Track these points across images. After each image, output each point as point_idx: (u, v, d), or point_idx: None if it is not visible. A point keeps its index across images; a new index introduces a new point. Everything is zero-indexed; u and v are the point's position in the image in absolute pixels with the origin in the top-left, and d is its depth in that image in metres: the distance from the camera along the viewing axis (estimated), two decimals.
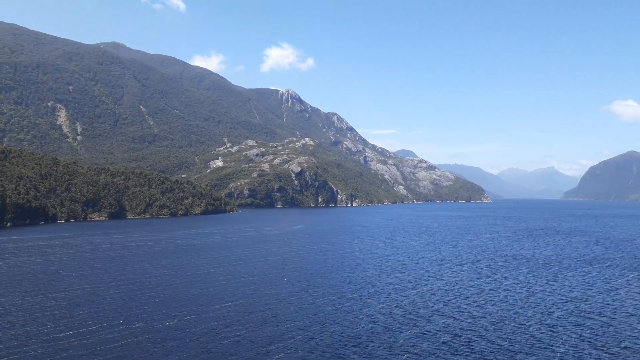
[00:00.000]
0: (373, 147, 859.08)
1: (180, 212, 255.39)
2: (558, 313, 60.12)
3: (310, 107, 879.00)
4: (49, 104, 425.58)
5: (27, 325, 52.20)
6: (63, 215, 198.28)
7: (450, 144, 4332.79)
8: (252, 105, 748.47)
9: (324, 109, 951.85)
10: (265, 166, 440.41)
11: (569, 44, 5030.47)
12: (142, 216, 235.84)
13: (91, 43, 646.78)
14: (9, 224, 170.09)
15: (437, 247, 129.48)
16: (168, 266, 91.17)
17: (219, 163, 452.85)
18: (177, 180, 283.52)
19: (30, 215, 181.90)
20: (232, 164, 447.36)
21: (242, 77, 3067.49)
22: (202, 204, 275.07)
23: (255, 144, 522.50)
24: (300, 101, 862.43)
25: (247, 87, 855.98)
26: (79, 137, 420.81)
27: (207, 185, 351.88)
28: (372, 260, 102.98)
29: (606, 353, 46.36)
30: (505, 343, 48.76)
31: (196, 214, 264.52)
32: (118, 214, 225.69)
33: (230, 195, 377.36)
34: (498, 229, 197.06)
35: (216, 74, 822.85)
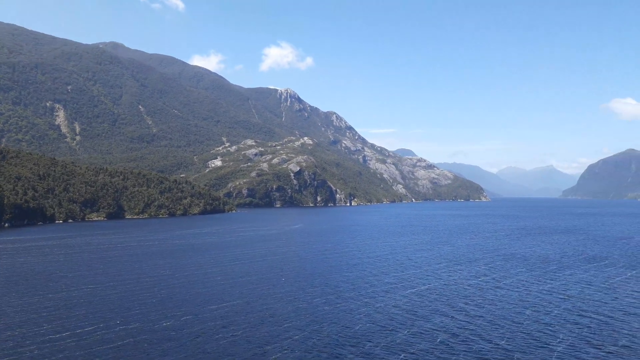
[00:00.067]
0: (372, 146, 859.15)
1: (178, 212, 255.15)
2: (556, 312, 60.08)
3: (309, 106, 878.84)
4: (48, 104, 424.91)
5: (23, 326, 52.04)
6: (61, 215, 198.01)
7: (449, 143, 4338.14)
8: (251, 105, 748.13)
9: (323, 108, 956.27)
10: (264, 166, 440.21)
11: (568, 42, 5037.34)
12: (141, 216, 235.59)
13: (90, 43, 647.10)
14: (6, 225, 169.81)
15: (435, 246, 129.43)
16: (166, 266, 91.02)
17: (217, 163, 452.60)
18: (175, 180, 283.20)
19: (28, 215, 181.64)
20: (231, 163, 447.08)
21: (241, 77, 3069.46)
22: (201, 204, 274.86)
23: (254, 143, 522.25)
24: (299, 100, 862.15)
25: (246, 86, 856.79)
26: (78, 137, 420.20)
27: (205, 185, 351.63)
28: (371, 260, 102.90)
29: (604, 352, 46.31)
30: (503, 342, 48.69)
31: (195, 214, 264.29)
32: (116, 214, 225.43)
33: (229, 195, 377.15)
34: (496, 228, 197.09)
35: (215, 74, 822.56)
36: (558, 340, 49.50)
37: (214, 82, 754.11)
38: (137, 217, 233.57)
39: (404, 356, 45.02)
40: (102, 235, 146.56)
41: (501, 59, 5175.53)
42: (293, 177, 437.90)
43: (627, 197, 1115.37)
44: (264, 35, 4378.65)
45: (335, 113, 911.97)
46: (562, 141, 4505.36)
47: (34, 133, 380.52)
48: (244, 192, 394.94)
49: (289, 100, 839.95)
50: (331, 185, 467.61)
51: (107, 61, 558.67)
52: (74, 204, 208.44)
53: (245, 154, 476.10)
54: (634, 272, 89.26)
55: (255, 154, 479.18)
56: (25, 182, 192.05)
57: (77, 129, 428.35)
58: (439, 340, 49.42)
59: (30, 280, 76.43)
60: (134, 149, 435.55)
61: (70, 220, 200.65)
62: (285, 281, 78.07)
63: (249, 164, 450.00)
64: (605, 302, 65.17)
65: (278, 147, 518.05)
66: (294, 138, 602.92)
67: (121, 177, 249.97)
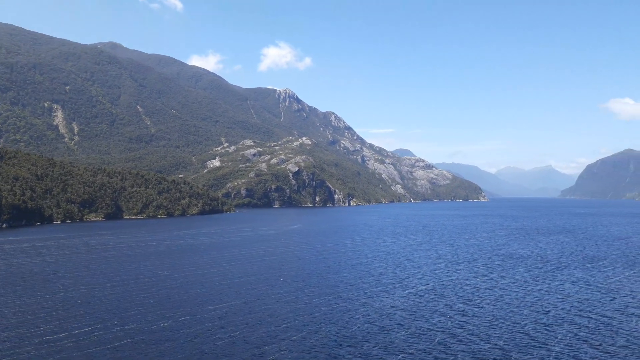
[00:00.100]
0: (371, 147, 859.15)
1: (177, 213, 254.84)
2: (554, 312, 60.13)
3: (308, 106, 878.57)
4: (46, 105, 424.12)
5: (20, 327, 51.90)
6: (59, 216, 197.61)
7: (448, 143, 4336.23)
8: (250, 105, 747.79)
9: (322, 108, 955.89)
10: (263, 166, 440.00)
11: (566, 42, 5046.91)
12: (139, 217, 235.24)
13: (88, 43, 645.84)
14: (4, 225, 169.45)
15: (434, 247, 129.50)
16: (164, 267, 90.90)
17: (216, 163, 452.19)
18: (174, 181, 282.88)
19: (26, 216, 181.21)
20: (230, 163, 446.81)
21: (239, 77, 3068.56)
22: (199, 204, 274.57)
23: (252, 143, 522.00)
24: (298, 100, 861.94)
25: (244, 86, 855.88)
26: (76, 138, 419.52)
27: (204, 185, 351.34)
28: (369, 260, 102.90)
29: (602, 352, 46.35)
30: (501, 342, 48.71)
31: (193, 214, 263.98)
32: (115, 215, 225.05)
33: (227, 195, 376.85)
34: (495, 228, 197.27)
35: (213, 74, 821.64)
36: (556, 340, 49.53)
37: (213, 82, 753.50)
38: (136, 217, 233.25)
39: (402, 356, 45.01)
40: (100, 236, 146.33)
41: (500, 60, 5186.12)
42: (292, 178, 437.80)
43: (626, 197, 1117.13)
44: (262, 36, 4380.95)
45: (333, 113, 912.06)
46: (560, 141, 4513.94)
47: (32, 133, 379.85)
48: (243, 192, 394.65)
49: (288, 100, 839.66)
50: (330, 185, 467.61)
51: (106, 61, 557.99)
52: (72, 205, 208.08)
53: (243, 154, 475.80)
54: (632, 272, 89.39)
55: (254, 154, 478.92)
56: (23, 183, 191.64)
57: (76, 129, 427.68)
58: (437, 340, 49.41)
59: (28, 280, 76.25)
60: (132, 149, 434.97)
61: (69, 221, 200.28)
62: (284, 282, 78.02)
63: (247, 164, 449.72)
64: (603, 302, 65.25)
65: (276, 148, 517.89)
66: (292, 138, 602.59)
67: (119, 177, 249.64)
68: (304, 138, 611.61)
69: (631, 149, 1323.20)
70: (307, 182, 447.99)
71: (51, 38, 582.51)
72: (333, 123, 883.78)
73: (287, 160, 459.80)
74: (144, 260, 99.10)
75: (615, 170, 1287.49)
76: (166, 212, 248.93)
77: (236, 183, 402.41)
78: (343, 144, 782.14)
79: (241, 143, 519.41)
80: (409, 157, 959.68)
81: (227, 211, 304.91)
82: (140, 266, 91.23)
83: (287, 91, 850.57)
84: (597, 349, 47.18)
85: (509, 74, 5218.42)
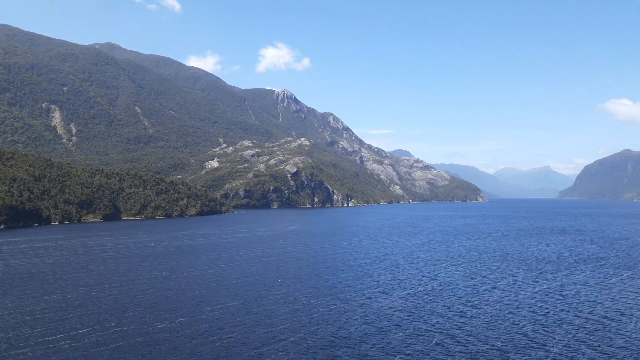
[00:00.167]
0: (369, 147, 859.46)
1: (175, 214, 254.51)
2: (552, 312, 60.14)
3: (306, 107, 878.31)
4: (44, 105, 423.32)
5: (17, 328, 51.70)
6: (57, 217, 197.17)
7: (446, 144, 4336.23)
8: (248, 106, 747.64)
9: (320, 109, 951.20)
10: (261, 167, 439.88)
11: (564, 43, 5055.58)
12: (137, 217, 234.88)
13: (86, 44, 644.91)
14: (2, 226, 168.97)
15: (432, 247, 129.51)
16: (162, 268, 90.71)
17: (214, 164, 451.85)
18: (172, 181, 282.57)
19: (24, 217, 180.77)
20: (228, 164, 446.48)
21: (237, 78, 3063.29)
22: (198, 205, 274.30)
23: (250, 144, 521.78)
24: (296, 101, 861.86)
25: (242, 87, 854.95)
26: (74, 139, 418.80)
27: (202, 186, 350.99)
28: (367, 261, 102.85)
29: (600, 352, 46.34)
30: (499, 343, 48.68)
31: (191, 215, 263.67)
32: (113, 216, 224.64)
33: (225, 196, 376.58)
34: (493, 229, 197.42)
35: (211, 75, 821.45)
36: (554, 341, 49.52)
37: (211, 83, 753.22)
38: (134, 218, 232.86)
39: (400, 357, 44.94)
40: (98, 237, 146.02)
41: (498, 60, 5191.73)
42: (290, 178, 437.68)
43: (623, 197, 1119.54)
44: (260, 36, 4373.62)
45: (332, 114, 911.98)
46: (558, 141, 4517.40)
47: (29, 134, 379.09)
48: (241, 193, 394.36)
49: (286, 101, 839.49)
50: (328, 186, 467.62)
51: (103, 62, 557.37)
52: (70, 206, 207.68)
53: (242, 155, 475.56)
54: (630, 272, 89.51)
55: (252, 155, 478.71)
56: (20, 184, 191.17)
57: (73, 130, 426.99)
58: (435, 341, 49.36)
59: (25, 282, 76.00)
60: (131, 150, 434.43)
61: (66, 222, 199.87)
62: (282, 283, 77.91)
63: (245, 165, 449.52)
64: (601, 303, 65.29)
65: (275, 148, 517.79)
66: (290, 139, 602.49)
67: (117, 178, 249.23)
68: (302, 139, 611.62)
69: (629, 150, 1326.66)
70: (306, 182, 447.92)
71: (49, 39, 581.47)
72: (331, 124, 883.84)
73: (286, 161, 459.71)
74: (142, 261, 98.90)
75: (613, 170, 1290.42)
76: (164, 213, 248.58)
77: (234, 184, 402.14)
78: (341, 144, 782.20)
79: (239, 144, 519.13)
80: (407, 157, 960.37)
81: (225, 212, 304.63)
82: (138, 267, 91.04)
83: (286, 92, 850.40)
84: (595, 349, 47.18)
85: (507, 75, 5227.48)
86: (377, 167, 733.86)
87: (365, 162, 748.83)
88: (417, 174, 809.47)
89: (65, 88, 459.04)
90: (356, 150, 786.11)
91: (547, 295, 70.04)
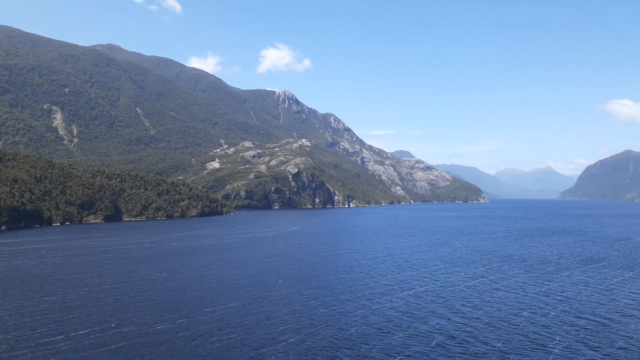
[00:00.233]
0: (370, 148, 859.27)
1: (176, 214, 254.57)
2: (553, 313, 59.99)
3: (307, 108, 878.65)
4: (45, 107, 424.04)
5: (18, 329, 51.70)
6: (58, 218, 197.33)
7: (447, 144, 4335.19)
8: (249, 107, 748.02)
9: (321, 109, 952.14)
10: (262, 167, 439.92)
11: (565, 43, 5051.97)
12: (138, 218, 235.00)
13: (87, 45, 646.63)
14: (3, 227, 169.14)
15: (433, 248, 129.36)
16: (162, 269, 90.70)
17: (215, 165, 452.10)
18: (173, 182, 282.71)
19: (25, 218, 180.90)
20: (229, 165, 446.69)
21: (238, 79, 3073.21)
22: (199, 206, 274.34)
23: (252, 145, 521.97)
24: (297, 102, 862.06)
25: (243, 88, 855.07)
26: (75, 140, 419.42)
27: (203, 187, 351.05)
28: (368, 262, 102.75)
29: (601, 353, 46.20)
30: (500, 344, 48.56)
31: (192, 216, 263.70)
32: (114, 217, 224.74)
33: (226, 197, 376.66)
34: (494, 229, 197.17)
35: (212, 76, 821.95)
36: (555, 342, 49.39)
37: (212, 84, 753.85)
38: (135, 219, 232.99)
39: (400, 358, 44.85)
40: (99, 238, 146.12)
41: (498, 60, 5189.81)
42: (291, 179, 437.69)
43: (625, 198, 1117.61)
44: (261, 37, 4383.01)
45: (333, 115, 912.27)
46: (559, 142, 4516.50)
47: (31, 135, 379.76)
48: (242, 194, 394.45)
49: (287, 102, 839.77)
50: (329, 187, 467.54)
51: (105, 63, 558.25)
52: (71, 207, 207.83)
53: (243, 155, 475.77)
54: (632, 273, 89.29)
55: (253, 156, 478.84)
56: (22, 185, 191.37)
57: (75, 131, 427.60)
58: (435, 342, 49.26)
59: (26, 283, 76.04)
60: (132, 151, 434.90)
61: (68, 223, 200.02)
62: (282, 283, 77.85)
63: (247, 165, 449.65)
64: (602, 304, 65.12)
65: (276, 149, 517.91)
66: (292, 140, 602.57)
67: (119, 179, 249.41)
68: (304, 140, 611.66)
69: (630, 150, 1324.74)
70: (307, 183, 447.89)
71: (50, 40, 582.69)
72: (332, 124, 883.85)
73: (287, 162, 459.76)
74: (143, 262, 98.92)
75: (614, 171, 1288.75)
76: (165, 214, 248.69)
77: (236, 185, 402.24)
78: (342, 145, 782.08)
79: (240, 145, 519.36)
80: (408, 158, 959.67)
81: (226, 213, 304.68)
82: (139, 268, 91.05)
83: (287, 93, 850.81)
84: (596, 350, 47.05)
85: (508, 75, 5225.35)
86: (378, 168, 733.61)
87: (367, 163, 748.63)
88: (419, 174, 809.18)
89: (66, 89, 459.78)
90: (357, 151, 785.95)
91: (548, 296, 69.88)
